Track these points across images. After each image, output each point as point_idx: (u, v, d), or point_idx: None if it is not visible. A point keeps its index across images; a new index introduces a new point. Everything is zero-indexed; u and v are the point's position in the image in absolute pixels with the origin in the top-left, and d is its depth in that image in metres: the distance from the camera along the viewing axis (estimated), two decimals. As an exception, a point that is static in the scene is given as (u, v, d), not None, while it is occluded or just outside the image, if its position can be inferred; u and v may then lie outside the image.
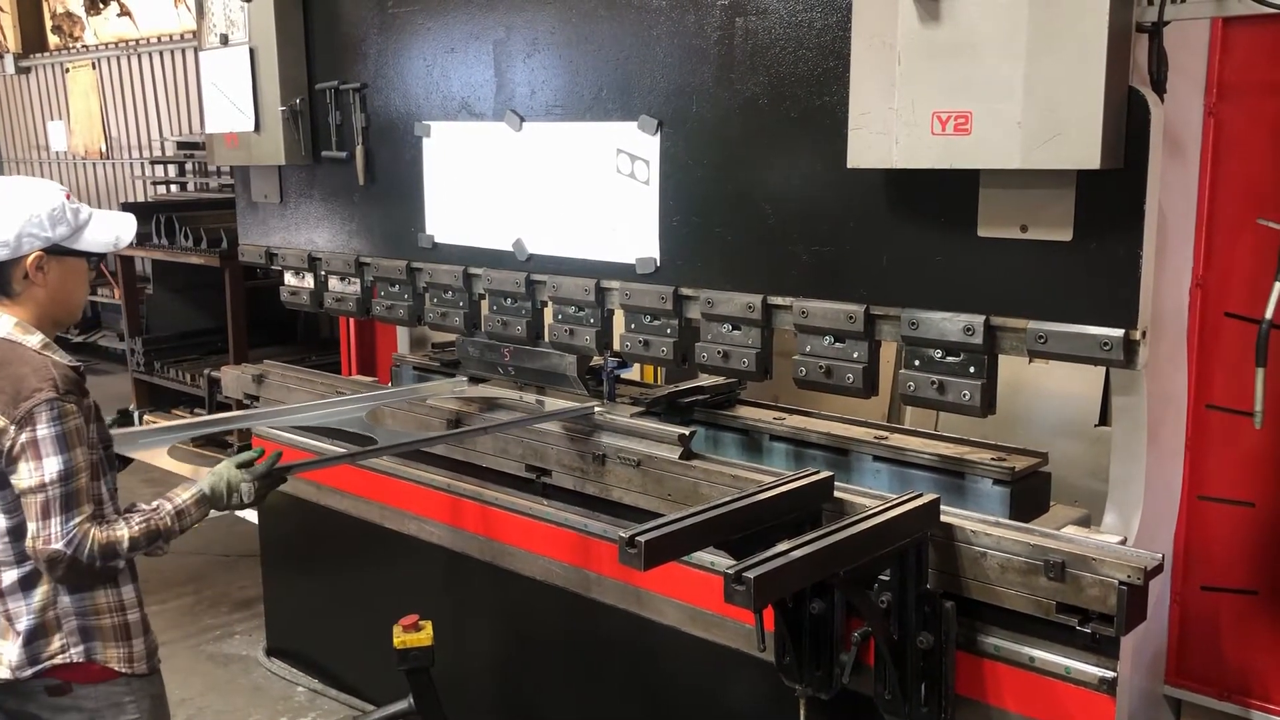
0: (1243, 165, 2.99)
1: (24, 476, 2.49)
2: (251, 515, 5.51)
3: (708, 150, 3.03)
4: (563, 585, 3.62)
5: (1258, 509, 3.13)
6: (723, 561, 2.77)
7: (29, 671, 2.58)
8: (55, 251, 2.65)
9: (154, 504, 2.65)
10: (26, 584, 2.59)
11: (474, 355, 3.99)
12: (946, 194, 2.56)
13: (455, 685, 3.87)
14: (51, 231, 2.63)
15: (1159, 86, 2.43)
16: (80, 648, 2.61)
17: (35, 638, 2.58)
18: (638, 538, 2.39)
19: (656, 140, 3.12)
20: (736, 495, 2.73)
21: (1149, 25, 2.39)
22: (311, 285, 4.36)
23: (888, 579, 2.67)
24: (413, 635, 3.53)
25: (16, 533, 2.55)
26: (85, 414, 2.58)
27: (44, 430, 2.48)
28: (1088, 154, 2.25)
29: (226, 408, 8.42)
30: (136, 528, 2.57)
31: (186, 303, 9.06)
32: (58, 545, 2.47)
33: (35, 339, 2.61)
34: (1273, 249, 2.49)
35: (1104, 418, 3.80)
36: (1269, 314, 2.48)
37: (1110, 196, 2.36)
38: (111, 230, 2.76)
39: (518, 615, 3.83)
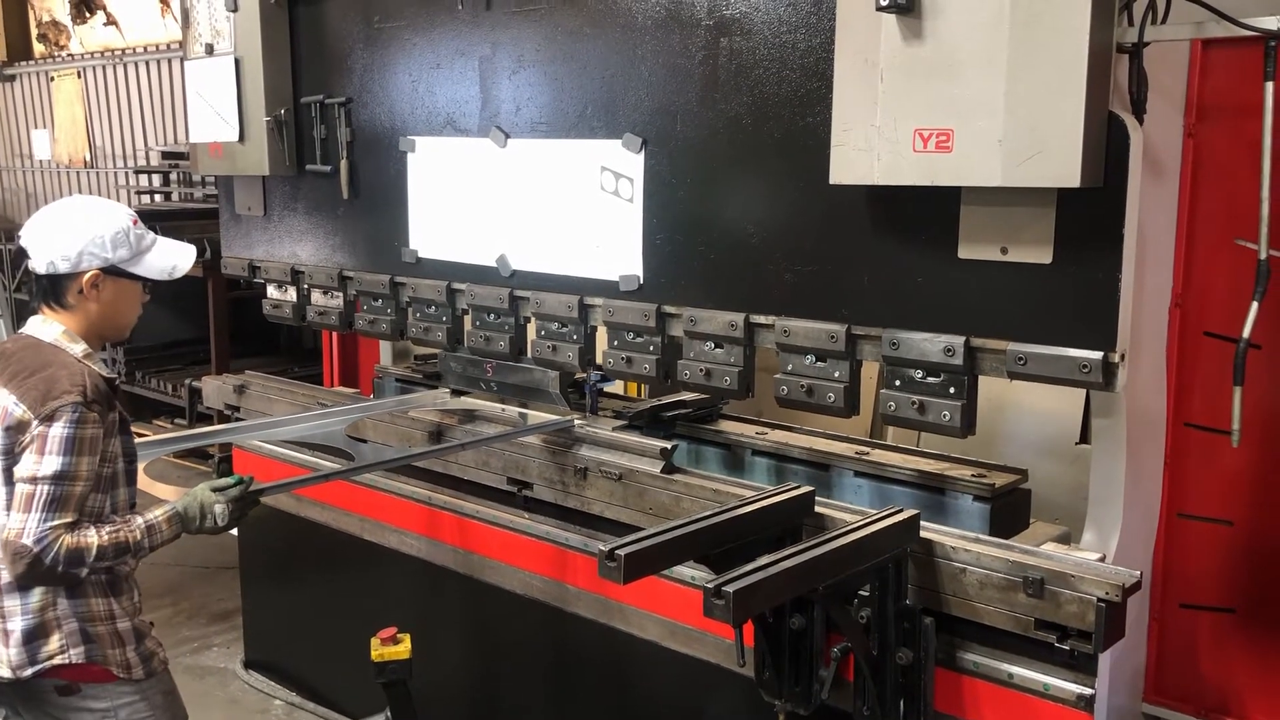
0: (1222, 186, 3.01)
1: (24, 466, 2.55)
2: (231, 527, 5.47)
3: (691, 169, 3.04)
4: (542, 599, 3.60)
5: (1236, 527, 3.15)
6: (703, 576, 2.77)
7: (29, 671, 2.62)
8: (112, 272, 2.76)
9: (126, 517, 2.67)
10: (22, 585, 2.62)
11: (456, 370, 3.98)
12: (928, 215, 2.57)
13: (433, 699, 3.85)
14: (111, 253, 2.74)
15: (1139, 107, 2.45)
16: (80, 649, 2.65)
17: (34, 638, 2.62)
18: (618, 551, 2.38)
19: (640, 158, 3.13)
20: (717, 510, 2.73)
21: (1129, 46, 2.41)
22: (294, 299, 4.35)
23: (867, 594, 2.67)
24: (390, 648, 3.51)
25: None
26: (107, 427, 2.64)
27: (59, 429, 2.54)
28: (1068, 172, 2.26)
29: (208, 419, 8.39)
30: (106, 537, 2.57)
31: (169, 312, 9.01)
32: (26, 541, 2.49)
33: (79, 348, 2.72)
34: (1250, 269, 2.50)
35: (1085, 435, 3.81)
36: (1246, 333, 2.50)
37: (1090, 219, 2.37)
38: (170, 259, 2.87)
39: (497, 629, 3.82)
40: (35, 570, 2.52)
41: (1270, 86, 2.39)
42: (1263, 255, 2.48)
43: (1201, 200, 3.06)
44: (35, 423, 2.54)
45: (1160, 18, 2.49)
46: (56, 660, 2.63)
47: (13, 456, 2.58)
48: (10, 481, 2.57)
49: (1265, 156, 2.43)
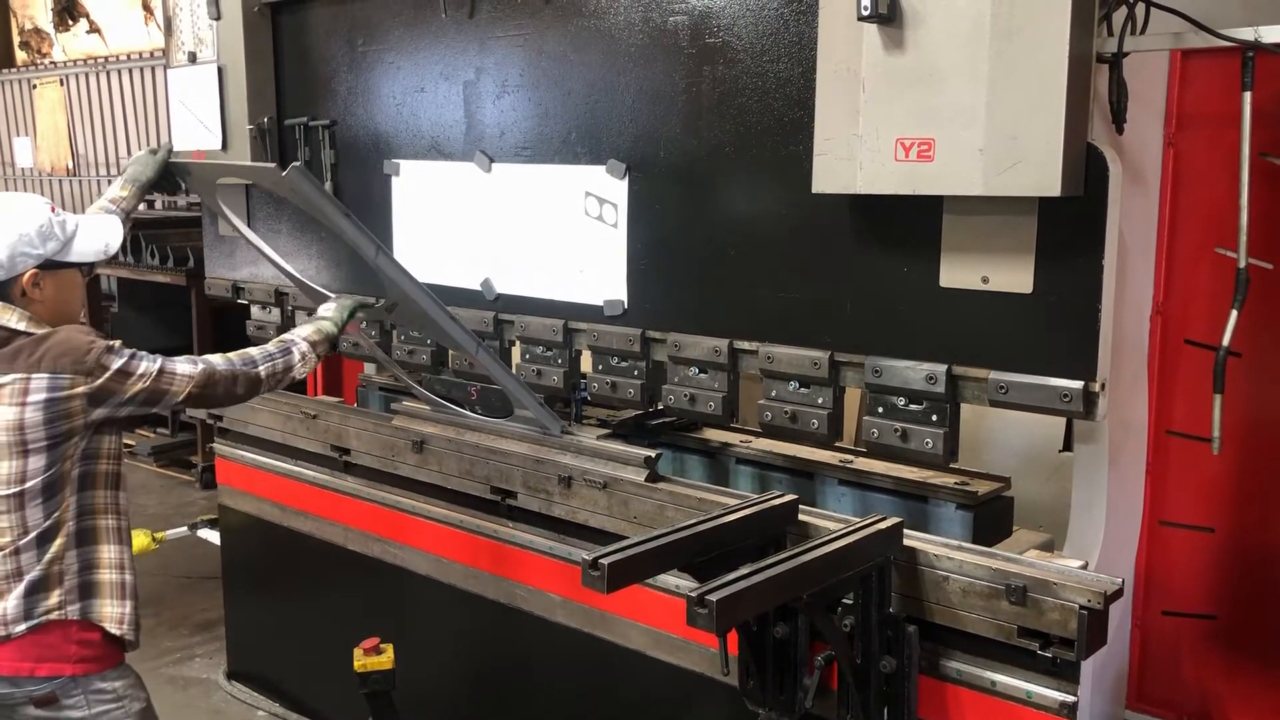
0: (1202, 195, 3.03)
1: (129, 388, 2.65)
2: (213, 536, 5.45)
3: (675, 195, 3.05)
4: (526, 608, 3.60)
5: (1217, 534, 3.16)
6: (687, 584, 2.77)
7: (22, 626, 2.64)
8: (47, 266, 2.72)
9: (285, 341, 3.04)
10: (44, 538, 2.66)
11: (441, 392, 3.97)
12: (911, 244, 2.59)
13: (418, 709, 3.83)
14: (43, 248, 2.70)
15: (1119, 117, 2.47)
16: (76, 605, 2.69)
17: (36, 590, 2.65)
18: (601, 560, 2.38)
19: (624, 184, 3.14)
20: (701, 518, 2.72)
21: (1109, 56, 2.43)
22: (278, 320, 4.34)
23: (851, 603, 2.67)
24: (374, 658, 3.50)
25: (51, 489, 2.65)
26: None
27: (119, 361, 2.65)
28: (1048, 181, 2.27)
29: (190, 427, 8.37)
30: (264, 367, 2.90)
31: (152, 321, 8.98)
32: (194, 381, 2.74)
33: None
34: (1230, 277, 2.52)
35: (1067, 443, 3.82)
36: (1226, 341, 2.52)
37: (1070, 235, 2.39)
38: (100, 238, 2.84)
39: (481, 638, 3.81)
40: (215, 382, 2.79)
41: (1248, 96, 2.42)
42: (1242, 264, 2.50)
43: (1181, 209, 3.08)
44: (83, 378, 2.60)
45: (1139, 28, 2.51)
46: (53, 615, 2.66)
47: (55, 426, 2.60)
48: (56, 444, 2.62)
49: (1244, 165, 2.45)
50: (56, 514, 2.67)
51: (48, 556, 2.66)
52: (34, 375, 2.59)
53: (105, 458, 2.75)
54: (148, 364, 2.69)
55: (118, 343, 2.69)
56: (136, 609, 2.81)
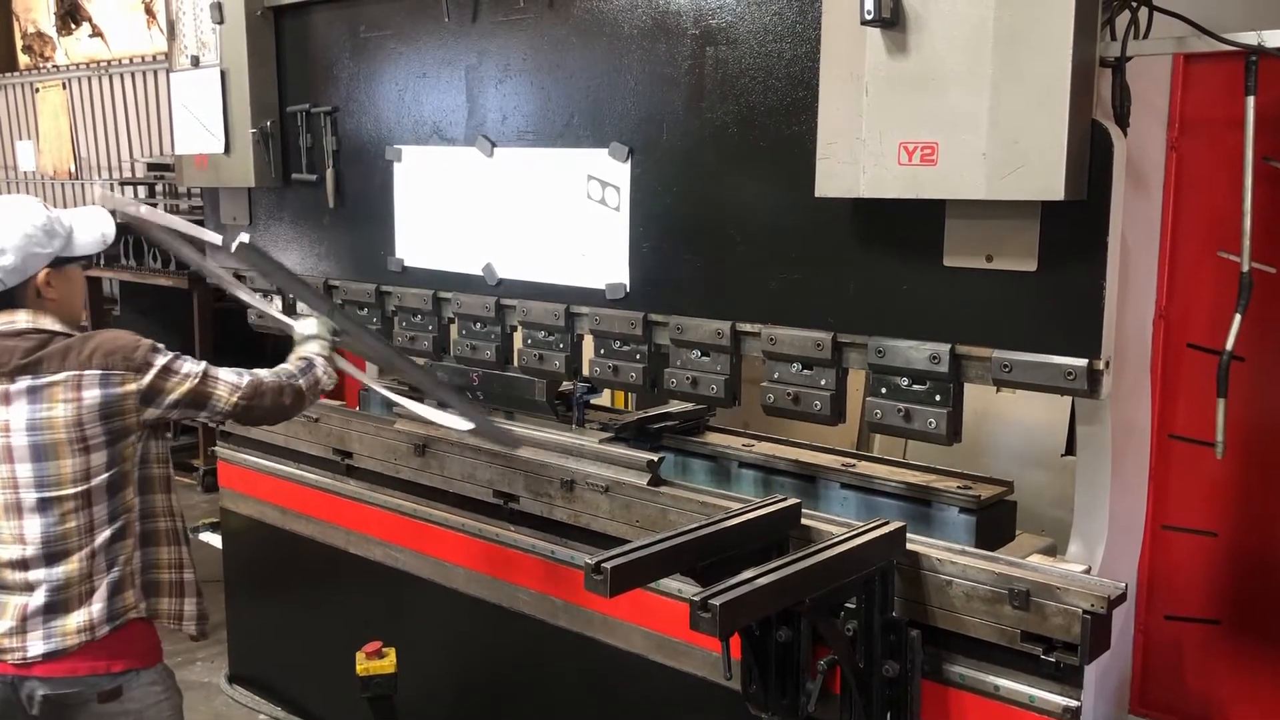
0: (1204, 199, 3.03)
1: (174, 386, 2.71)
2: (215, 539, 5.45)
3: (678, 177, 3.04)
4: (528, 612, 3.59)
5: (1220, 538, 3.16)
6: (689, 588, 2.77)
7: (107, 628, 2.68)
8: (55, 264, 2.74)
9: (303, 365, 3.07)
10: (116, 539, 2.71)
11: (442, 379, 3.97)
12: (913, 224, 2.57)
13: (419, 713, 3.83)
14: (50, 246, 2.72)
15: (1122, 120, 2.47)
16: (144, 604, 2.77)
17: (116, 592, 2.71)
18: (604, 564, 2.38)
19: (627, 167, 3.13)
20: (704, 522, 2.73)
21: (1112, 60, 2.43)
22: (279, 306, 4.33)
23: (854, 607, 2.67)
24: (376, 662, 3.50)
25: (114, 488, 2.69)
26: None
27: (164, 359, 2.72)
28: (1051, 185, 2.27)
29: (192, 431, 8.37)
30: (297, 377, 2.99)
31: (154, 324, 8.96)
32: (240, 391, 2.81)
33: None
34: (1233, 281, 2.52)
35: (1070, 447, 3.82)
36: (1229, 345, 2.51)
37: (1074, 228, 2.38)
38: (96, 228, 2.86)
39: (483, 643, 3.80)
40: (260, 403, 2.87)
41: (1251, 101, 2.41)
42: (1245, 268, 2.50)
43: (1184, 213, 3.08)
44: (133, 374, 2.65)
45: (1143, 32, 2.51)
46: (131, 615, 2.73)
47: (111, 422, 2.64)
48: (114, 442, 2.66)
49: (1247, 169, 2.45)
50: (124, 515, 2.71)
51: (122, 558, 2.72)
52: (85, 371, 2.63)
53: (156, 462, 2.81)
54: (192, 365, 2.76)
55: (161, 345, 2.75)
56: (199, 603, 2.91)
